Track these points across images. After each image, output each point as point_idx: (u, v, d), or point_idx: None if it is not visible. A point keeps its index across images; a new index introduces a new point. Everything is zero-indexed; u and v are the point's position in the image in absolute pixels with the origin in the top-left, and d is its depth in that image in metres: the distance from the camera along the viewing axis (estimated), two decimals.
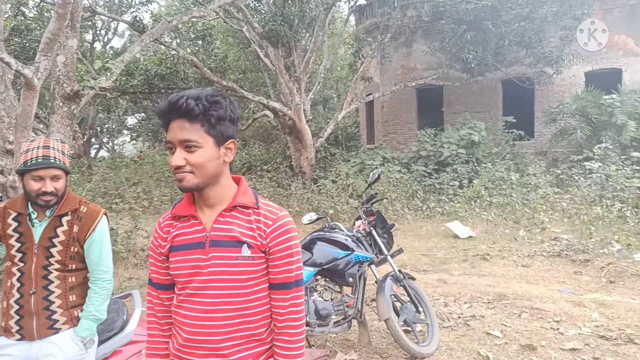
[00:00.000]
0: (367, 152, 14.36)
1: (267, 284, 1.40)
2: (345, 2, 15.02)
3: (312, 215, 4.04)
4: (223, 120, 1.33)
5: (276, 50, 12.09)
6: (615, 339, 3.90)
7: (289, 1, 11.77)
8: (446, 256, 6.93)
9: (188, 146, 1.30)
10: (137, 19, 13.05)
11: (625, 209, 7.85)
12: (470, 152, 12.13)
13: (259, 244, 1.37)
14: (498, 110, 15.55)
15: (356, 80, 14.00)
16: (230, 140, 1.37)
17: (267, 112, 14.63)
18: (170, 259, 1.41)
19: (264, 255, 1.38)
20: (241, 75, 16.53)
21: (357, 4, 15.42)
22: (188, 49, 16.14)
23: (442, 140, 12.50)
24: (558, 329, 4.16)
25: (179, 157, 1.30)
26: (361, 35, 16.23)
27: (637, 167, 9.00)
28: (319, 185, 11.29)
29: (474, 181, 10.27)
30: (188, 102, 1.28)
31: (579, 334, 4.04)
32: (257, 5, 14.14)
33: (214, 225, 1.38)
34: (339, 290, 3.74)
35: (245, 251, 1.36)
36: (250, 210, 1.41)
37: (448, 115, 16.26)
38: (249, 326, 1.37)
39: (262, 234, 1.38)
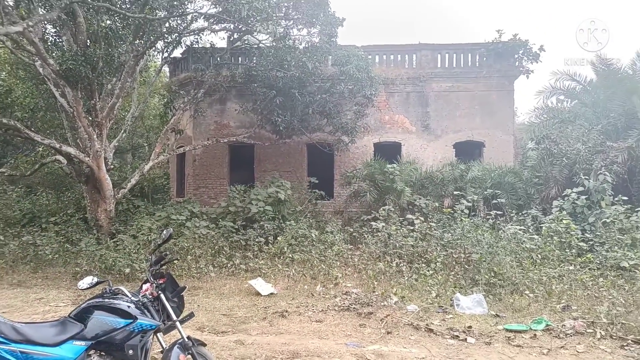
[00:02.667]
0: (174, 205, 13.77)
1: None
2: (158, 52, 14.71)
3: (92, 279, 3.58)
4: None
5: (75, 92, 10.99)
6: None
7: (95, 42, 10.95)
8: (247, 315, 6.88)
9: None
10: None
11: (402, 264, 9.02)
12: (276, 210, 12.64)
13: None
14: (303, 171, 16.77)
15: (166, 131, 13.55)
16: None
17: (60, 157, 13.00)
18: None
19: None
20: (28, 113, 14.47)
21: (172, 56, 15.27)
22: None
23: (251, 197, 12.77)
24: None
25: None
26: (174, 87, 16.01)
27: (411, 227, 10.53)
28: (117, 241, 10.29)
29: (278, 238, 10.65)
30: None
31: None
32: (57, 40, 12.83)
33: None
34: None
35: None
36: None
37: (258, 173, 16.86)
38: None
39: None
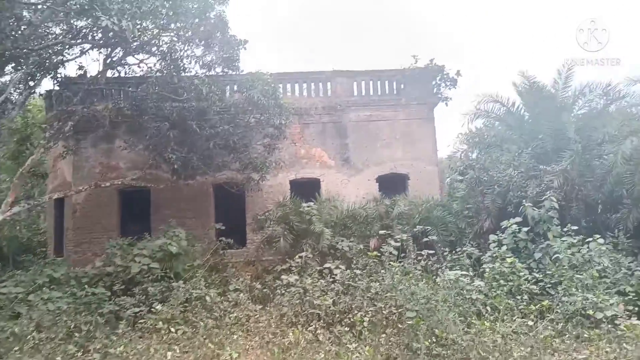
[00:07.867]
0: (29, 270, 10.76)
1: None
2: (19, 83, 11.93)
3: None
4: None
5: None
6: None
7: None
8: None
9: None
10: None
11: (319, 331, 6.94)
12: (167, 266, 10.19)
13: None
14: (209, 217, 14.42)
15: (21, 176, 10.74)
16: None
17: None
18: None
19: None
20: None
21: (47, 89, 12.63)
22: None
23: (134, 253, 10.23)
24: None
25: None
26: (45, 125, 13.29)
27: (331, 279, 8.56)
28: None
29: (158, 306, 8.13)
30: None
31: None
32: None
33: None
34: None
35: None
36: None
37: (156, 222, 14.19)
38: None
39: None
